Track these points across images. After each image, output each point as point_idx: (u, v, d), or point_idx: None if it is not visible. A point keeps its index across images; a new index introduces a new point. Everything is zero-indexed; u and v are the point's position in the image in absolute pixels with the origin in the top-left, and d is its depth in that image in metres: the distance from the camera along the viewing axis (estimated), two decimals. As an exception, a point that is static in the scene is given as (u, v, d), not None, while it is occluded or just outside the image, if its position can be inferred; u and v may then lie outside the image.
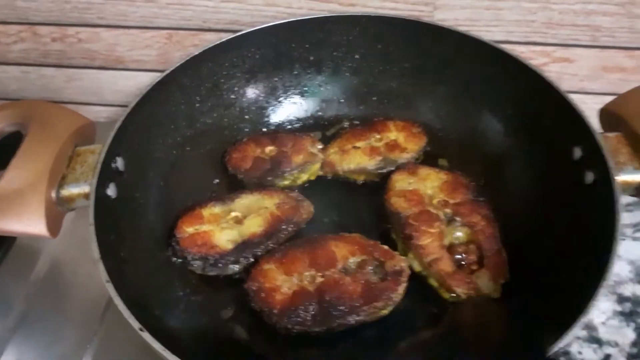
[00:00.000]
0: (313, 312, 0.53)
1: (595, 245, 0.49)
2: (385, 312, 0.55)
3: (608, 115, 0.59)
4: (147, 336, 0.43)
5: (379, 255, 0.57)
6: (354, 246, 0.58)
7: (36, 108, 0.58)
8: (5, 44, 0.81)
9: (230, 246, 0.58)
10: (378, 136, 0.69)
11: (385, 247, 0.58)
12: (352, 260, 0.57)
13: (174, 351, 0.42)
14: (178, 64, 0.64)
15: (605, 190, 0.51)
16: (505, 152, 0.66)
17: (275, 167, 0.66)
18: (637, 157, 0.53)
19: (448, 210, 0.61)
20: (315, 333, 0.53)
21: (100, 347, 0.63)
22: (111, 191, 0.55)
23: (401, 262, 0.57)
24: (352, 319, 0.53)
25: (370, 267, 0.56)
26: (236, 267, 0.58)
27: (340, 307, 0.53)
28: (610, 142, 0.55)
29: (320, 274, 0.56)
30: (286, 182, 0.67)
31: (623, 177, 0.52)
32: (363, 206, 0.65)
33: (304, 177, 0.68)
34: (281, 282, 0.56)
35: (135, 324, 0.43)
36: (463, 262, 0.58)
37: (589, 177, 0.54)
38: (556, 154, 0.59)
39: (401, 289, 0.55)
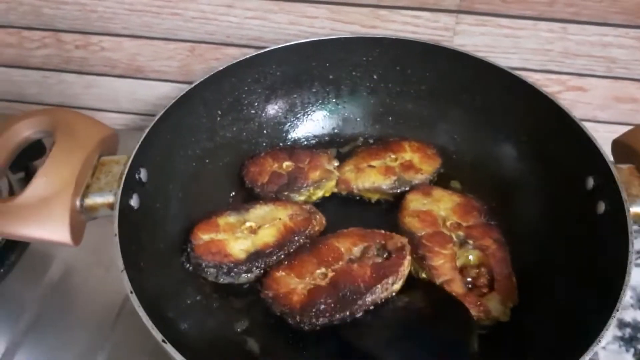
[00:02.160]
0: (332, 303, 0.55)
1: (606, 276, 0.50)
2: (397, 287, 0.58)
3: (621, 147, 0.60)
4: (169, 348, 0.44)
5: (379, 239, 0.61)
6: (354, 237, 0.61)
7: (63, 116, 0.59)
8: (28, 49, 0.82)
9: (243, 255, 0.60)
10: (393, 156, 0.70)
11: (382, 231, 0.61)
12: (356, 249, 0.60)
13: (192, 363, 0.43)
14: (202, 78, 0.65)
15: (617, 221, 0.52)
16: (518, 178, 0.67)
17: (292, 183, 0.68)
18: (649, 189, 0.55)
19: (461, 233, 0.62)
20: (338, 321, 0.55)
21: (112, 353, 0.64)
22: (134, 202, 0.56)
23: (401, 240, 0.60)
24: (369, 299, 0.56)
25: (373, 251, 0.59)
26: (248, 276, 0.60)
27: (356, 290, 0.56)
28: (623, 174, 0.56)
29: (330, 269, 0.58)
30: (301, 198, 0.68)
31: (635, 209, 0.53)
32: (376, 224, 0.66)
33: (319, 193, 0.69)
34: (295, 285, 0.57)
35: (159, 336, 0.44)
36: (474, 285, 0.59)
37: (601, 207, 0.55)
38: (569, 182, 0.60)
39: (406, 261, 0.59)
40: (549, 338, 0.53)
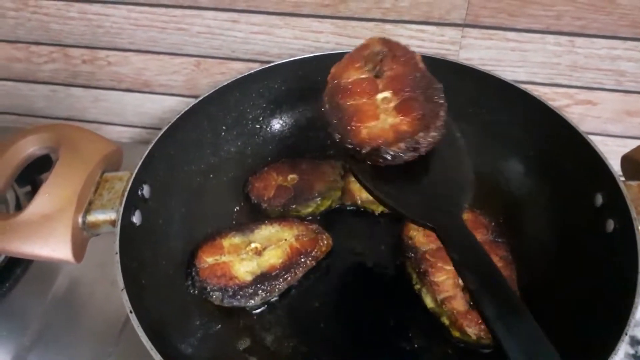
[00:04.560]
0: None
1: (614, 296, 0.49)
2: None
3: (630, 163, 0.59)
4: (168, 369, 0.43)
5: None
6: None
7: (67, 132, 0.59)
8: (36, 63, 0.83)
9: (249, 278, 0.59)
10: (399, 168, 0.69)
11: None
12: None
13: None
14: (207, 93, 0.65)
15: (626, 240, 0.51)
16: (525, 194, 0.66)
17: (298, 195, 0.67)
18: (658, 207, 0.53)
19: (466, 250, 0.61)
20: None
21: (116, 369, 0.64)
22: (136, 218, 0.56)
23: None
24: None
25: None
26: (255, 299, 0.59)
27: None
28: (632, 191, 0.55)
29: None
30: (309, 210, 0.68)
31: (645, 227, 0.52)
32: (381, 237, 0.66)
33: (327, 203, 0.68)
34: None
35: (157, 357, 0.44)
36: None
37: (610, 225, 0.54)
38: (577, 198, 0.59)
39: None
40: None
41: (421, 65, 0.50)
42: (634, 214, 0.51)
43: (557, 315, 0.54)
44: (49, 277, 0.72)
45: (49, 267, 0.73)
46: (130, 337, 0.66)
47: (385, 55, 0.51)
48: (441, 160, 0.48)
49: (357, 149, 0.45)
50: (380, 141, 0.44)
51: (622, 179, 0.56)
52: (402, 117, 0.45)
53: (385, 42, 0.52)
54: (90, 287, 0.71)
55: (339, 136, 0.47)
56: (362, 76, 0.49)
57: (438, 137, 0.46)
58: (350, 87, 0.48)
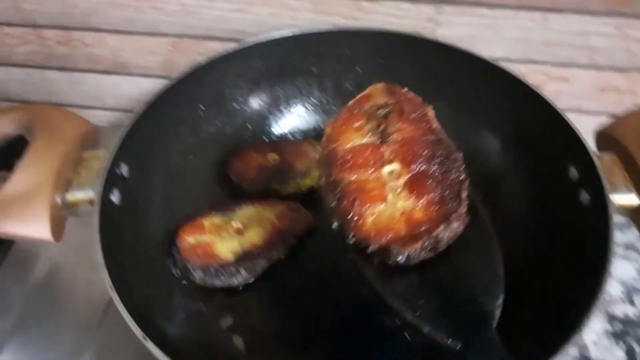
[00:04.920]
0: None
1: (589, 265, 0.50)
2: None
3: (604, 137, 0.60)
4: (150, 345, 0.43)
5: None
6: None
7: (41, 112, 0.58)
8: (9, 45, 0.81)
9: (231, 257, 0.59)
10: (377, 146, 0.70)
11: None
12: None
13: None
14: (185, 73, 0.64)
15: (600, 211, 0.52)
16: (502, 169, 0.67)
17: (279, 175, 0.67)
18: (630, 178, 0.55)
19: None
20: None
21: (98, 352, 0.63)
22: (115, 197, 0.55)
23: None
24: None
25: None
26: (237, 278, 0.59)
27: None
28: (605, 163, 0.56)
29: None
30: (290, 189, 0.68)
31: (617, 198, 0.54)
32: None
33: (308, 183, 0.68)
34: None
35: (139, 332, 0.44)
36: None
37: (584, 196, 0.55)
38: (552, 172, 0.60)
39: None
40: (531, 329, 0.52)
41: (435, 124, 0.43)
42: (606, 185, 0.52)
43: (534, 287, 0.56)
44: (28, 262, 0.71)
45: (29, 252, 0.72)
46: (113, 320, 0.66)
47: (390, 110, 0.44)
48: (465, 250, 0.41)
49: (361, 246, 0.38)
50: (389, 237, 0.37)
51: (596, 152, 0.57)
52: (415, 200, 0.38)
53: (391, 91, 0.45)
54: (71, 272, 0.71)
55: (337, 225, 0.40)
56: (364, 141, 0.41)
57: (461, 228, 0.39)
58: (349, 156, 0.40)
